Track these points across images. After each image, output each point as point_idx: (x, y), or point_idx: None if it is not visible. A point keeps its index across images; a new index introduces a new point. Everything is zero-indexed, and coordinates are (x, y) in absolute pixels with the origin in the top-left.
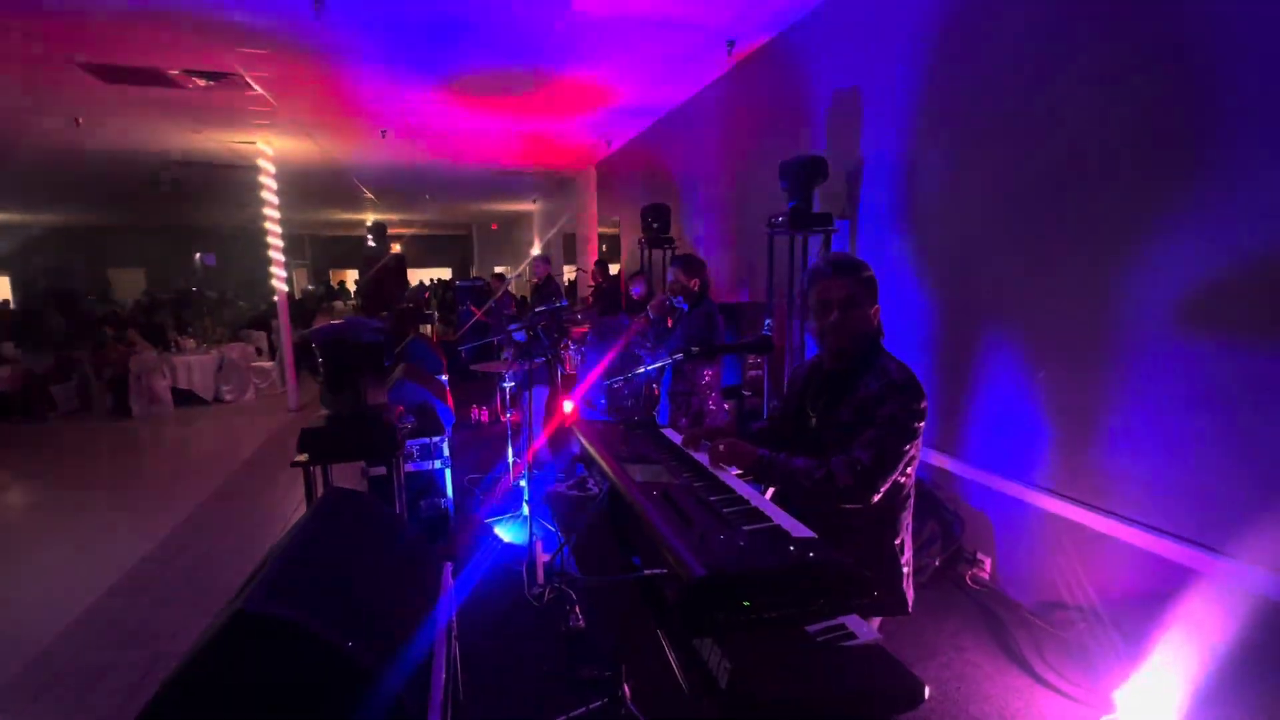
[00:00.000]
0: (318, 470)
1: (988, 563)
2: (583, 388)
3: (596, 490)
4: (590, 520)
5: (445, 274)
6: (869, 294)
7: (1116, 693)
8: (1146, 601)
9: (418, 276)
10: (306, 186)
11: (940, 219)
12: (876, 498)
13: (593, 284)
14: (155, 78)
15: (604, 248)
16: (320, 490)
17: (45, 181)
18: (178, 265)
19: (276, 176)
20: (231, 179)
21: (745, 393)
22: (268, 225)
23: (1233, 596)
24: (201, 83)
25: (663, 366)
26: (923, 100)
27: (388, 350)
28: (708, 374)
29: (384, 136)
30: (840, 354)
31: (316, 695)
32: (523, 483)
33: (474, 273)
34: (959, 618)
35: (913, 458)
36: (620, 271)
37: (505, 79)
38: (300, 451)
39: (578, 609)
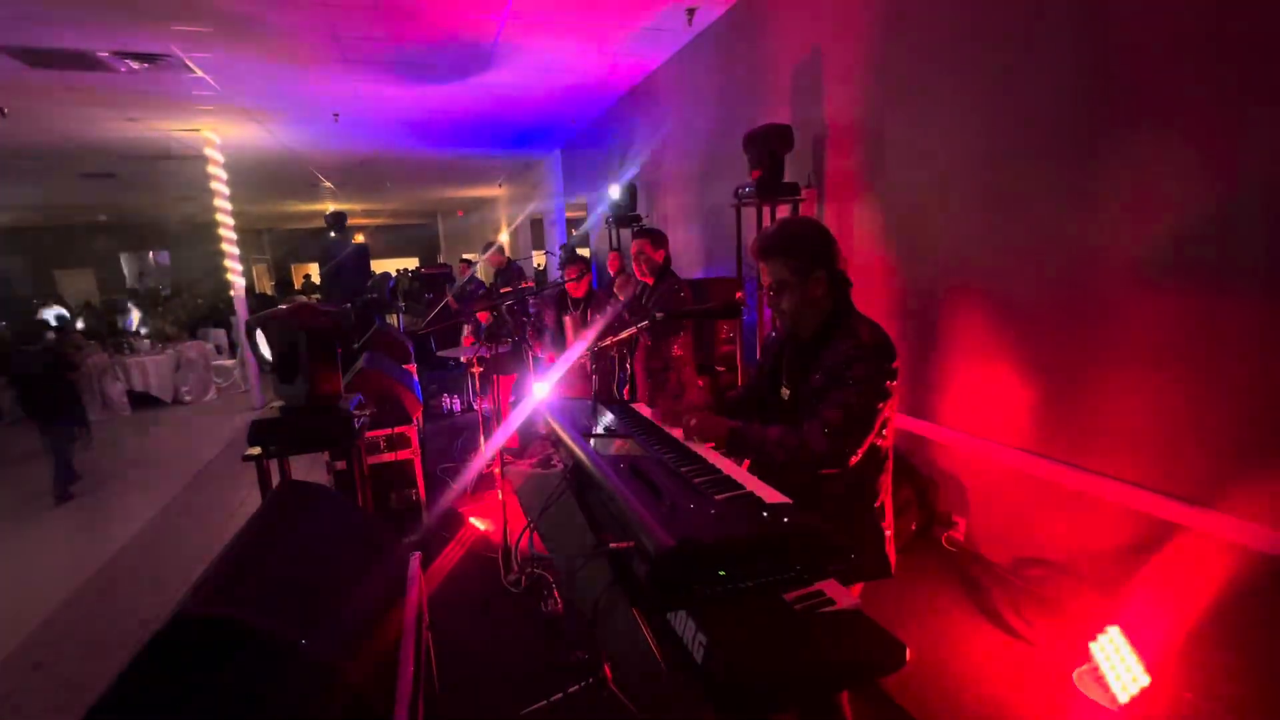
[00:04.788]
0: (276, 465)
1: (962, 524)
2: (555, 369)
3: (563, 468)
4: (555, 498)
5: (412, 263)
6: (801, 268)
7: (1091, 644)
8: (1119, 554)
9: (383, 267)
10: (260, 176)
11: (907, 182)
12: (853, 460)
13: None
14: (85, 61)
15: (573, 231)
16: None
17: None
18: (130, 264)
19: (227, 166)
20: (179, 170)
21: (719, 368)
22: (220, 218)
23: (1206, 546)
24: (135, 65)
25: (631, 339)
26: (886, 62)
27: (350, 339)
28: (678, 346)
29: (337, 120)
30: (795, 325)
31: (269, 694)
32: (496, 469)
33: (441, 260)
34: (936, 579)
35: (887, 419)
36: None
37: (460, 55)
38: (251, 444)
39: (555, 592)
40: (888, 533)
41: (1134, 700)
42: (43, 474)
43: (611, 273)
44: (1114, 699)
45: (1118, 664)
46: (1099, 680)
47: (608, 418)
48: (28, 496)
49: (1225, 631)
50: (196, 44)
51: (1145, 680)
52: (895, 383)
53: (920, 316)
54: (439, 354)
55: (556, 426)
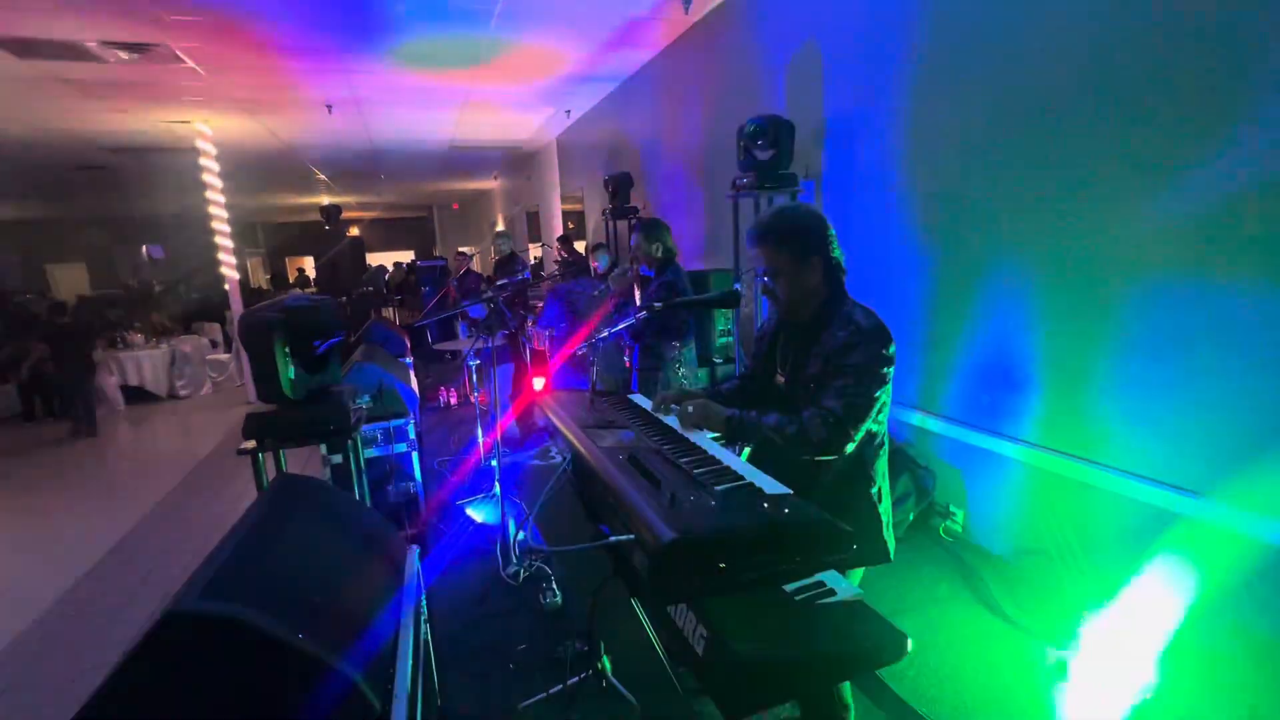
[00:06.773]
0: (271, 459)
1: (960, 514)
2: (555, 362)
3: (560, 460)
4: (554, 491)
5: (408, 256)
6: (795, 253)
7: (1089, 633)
8: (1117, 543)
9: (379, 260)
10: (253, 169)
11: (905, 173)
12: (851, 447)
13: (558, 260)
14: (74, 51)
15: (570, 224)
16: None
17: None
18: (122, 258)
19: (219, 159)
20: (171, 163)
21: (716, 360)
22: (213, 211)
23: (1204, 535)
24: (124, 55)
25: (630, 329)
26: (884, 50)
27: (348, 332)
28: (676, 345)
29: (330, 112)
30: (790, 313)
31: (265, 691)
32: (493, 462)
33: (437, 253)
34: (934, 569)
35: (884, 404)
36: (585, 245)
37: (454, 46)
38: (246, 438)
39: (555, 585)
40: (885, 518)
41: (1130, 689)
42: (34, 471)
43: (597, 270)
44: (1111, 688)
45: (1115, 653)
46: (1096, 670)
47: (606, 409)
48: (16, 494)
49: (1224, 620)
50: (187, 34)
51: (1141, 669)
52: (891, 368)
53: (920, 307)
54: (435, 346)
55: (555, 418)
